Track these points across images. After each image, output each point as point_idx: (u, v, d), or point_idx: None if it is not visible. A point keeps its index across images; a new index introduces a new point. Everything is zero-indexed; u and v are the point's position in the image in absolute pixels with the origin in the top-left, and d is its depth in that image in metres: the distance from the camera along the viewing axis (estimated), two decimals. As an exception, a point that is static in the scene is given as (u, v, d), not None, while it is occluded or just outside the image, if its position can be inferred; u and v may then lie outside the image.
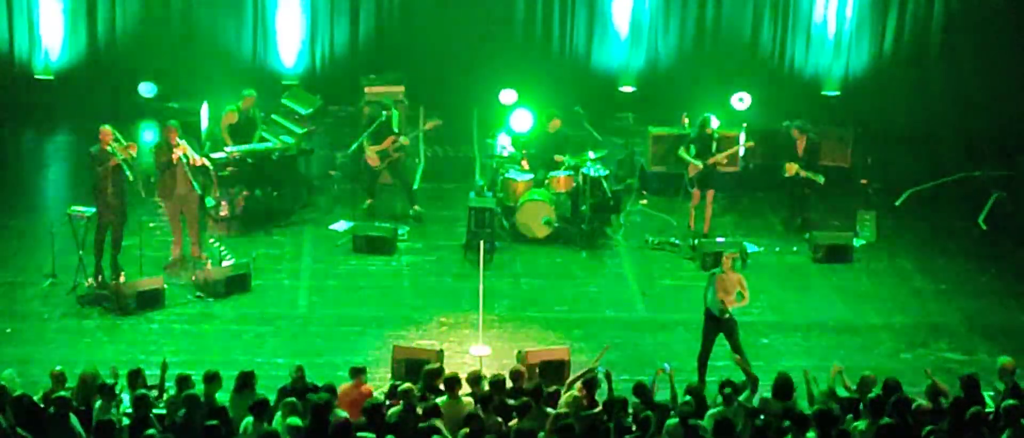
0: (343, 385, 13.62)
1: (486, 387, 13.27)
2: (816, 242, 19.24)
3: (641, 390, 13.16)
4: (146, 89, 22.88)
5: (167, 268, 17.94)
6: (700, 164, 19.13)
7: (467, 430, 12.13)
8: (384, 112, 19.80)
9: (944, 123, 23.11)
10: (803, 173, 19.66)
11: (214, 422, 12.11)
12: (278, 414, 12.52)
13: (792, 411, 12.78)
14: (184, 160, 17.66)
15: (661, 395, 13.52)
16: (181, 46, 23.18)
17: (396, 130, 19.88)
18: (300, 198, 20.15)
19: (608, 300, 17.93)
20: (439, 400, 12.96)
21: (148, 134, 21.88)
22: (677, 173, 20.25)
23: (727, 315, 15.29)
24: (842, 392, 13.63)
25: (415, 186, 20.65)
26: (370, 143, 19.70)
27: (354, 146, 20.05)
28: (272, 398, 12.87)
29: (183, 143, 17.82)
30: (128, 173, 17.15)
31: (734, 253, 16.33)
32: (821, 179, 19.68)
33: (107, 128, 17.26)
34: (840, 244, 19.25)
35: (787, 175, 19.78)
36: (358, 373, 13.69)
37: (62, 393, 12.80)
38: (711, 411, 12.82)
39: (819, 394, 13.48)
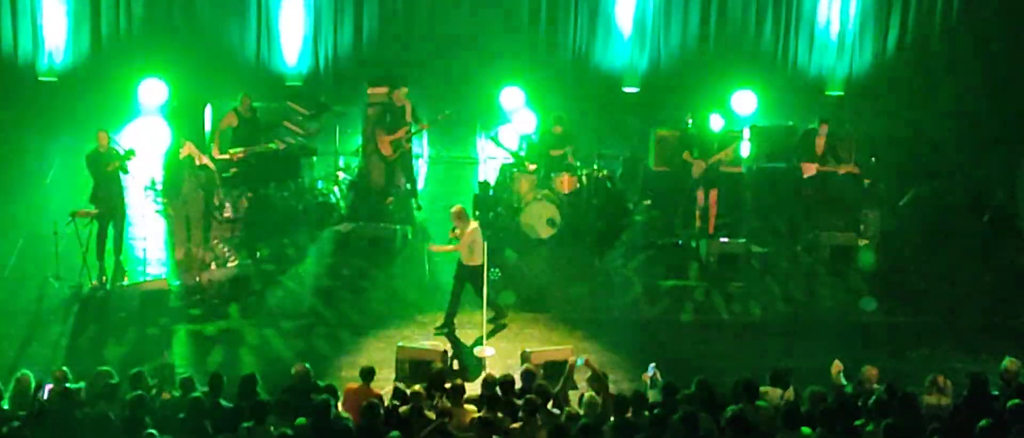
0: (351, 384, 13.61)
1: (496, 389, 13.26)
2: (820, 242, 19.23)
3: (669, 389, 13.16)
4: (150, 91, 22.90)
5: (171, 270, 17.95)
6: (704, 163, 19.12)
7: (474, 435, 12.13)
8: (390, 109, 19.79)
9: (947, 122, 23.09)
10: (830, 168, 19.50)
11: (218, 415, 12.12)
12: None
13: (793, 405, 12.77)
14: (189, 162, 17.68)
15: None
16: (184, 48, 23.17)
17: (408, 121, 19.89)
18: (303, 199, 20.15)
19: (612, 300, 17.92)
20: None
21: (150, 137, 21.88)
22: (680, 174, 20.19)
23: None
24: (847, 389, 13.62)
25: (420, 187, 20.67)
26: (385, 133, 19.69)
27: (358, 147, 20.02)
28: (275, 399, 12.87)
29: (189, 144, 17.84)
30: (128, 172, 17.19)
31: (458, 207, 16.78)
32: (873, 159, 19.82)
33: (103, 132, 17.39)
34: (844, 244, 19.23)
35: (806, 175, 19.62)
36: (368, 375, 13.68)
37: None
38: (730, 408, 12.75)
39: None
